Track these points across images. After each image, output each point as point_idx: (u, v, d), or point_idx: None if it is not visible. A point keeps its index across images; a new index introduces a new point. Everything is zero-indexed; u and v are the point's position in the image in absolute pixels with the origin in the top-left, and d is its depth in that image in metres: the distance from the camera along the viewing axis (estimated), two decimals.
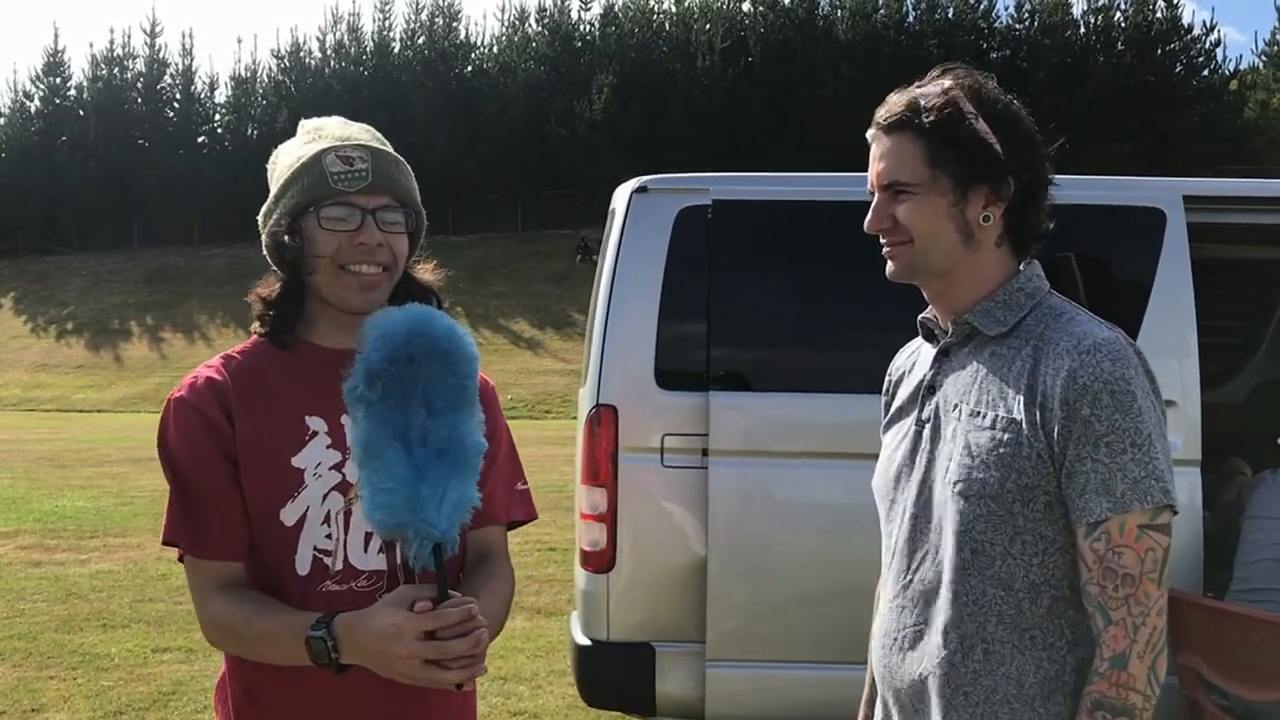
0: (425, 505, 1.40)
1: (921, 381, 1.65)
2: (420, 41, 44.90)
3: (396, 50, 45.06)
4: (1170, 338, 3.37)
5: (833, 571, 3.31)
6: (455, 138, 39.96)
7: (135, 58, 46.97)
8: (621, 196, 3.63)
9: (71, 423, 22.30)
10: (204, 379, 1.60)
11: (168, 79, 47.29)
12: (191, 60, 48.85)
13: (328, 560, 1.58)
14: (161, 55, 47.23)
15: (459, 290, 34.93)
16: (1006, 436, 1.48)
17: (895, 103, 1.57)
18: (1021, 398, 1.48)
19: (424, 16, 45.21)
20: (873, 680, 1.75)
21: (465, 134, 40.03)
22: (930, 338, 1.68)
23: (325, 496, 1.58)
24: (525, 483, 1.84)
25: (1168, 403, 3.31)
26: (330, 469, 1.59)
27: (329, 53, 45.89)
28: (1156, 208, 3.44)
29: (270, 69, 46.46)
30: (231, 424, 1.57)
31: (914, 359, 1.74)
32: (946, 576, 1.52)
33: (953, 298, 1.60)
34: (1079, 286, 3.17)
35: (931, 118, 1.53)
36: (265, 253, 1.65)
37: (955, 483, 1.51)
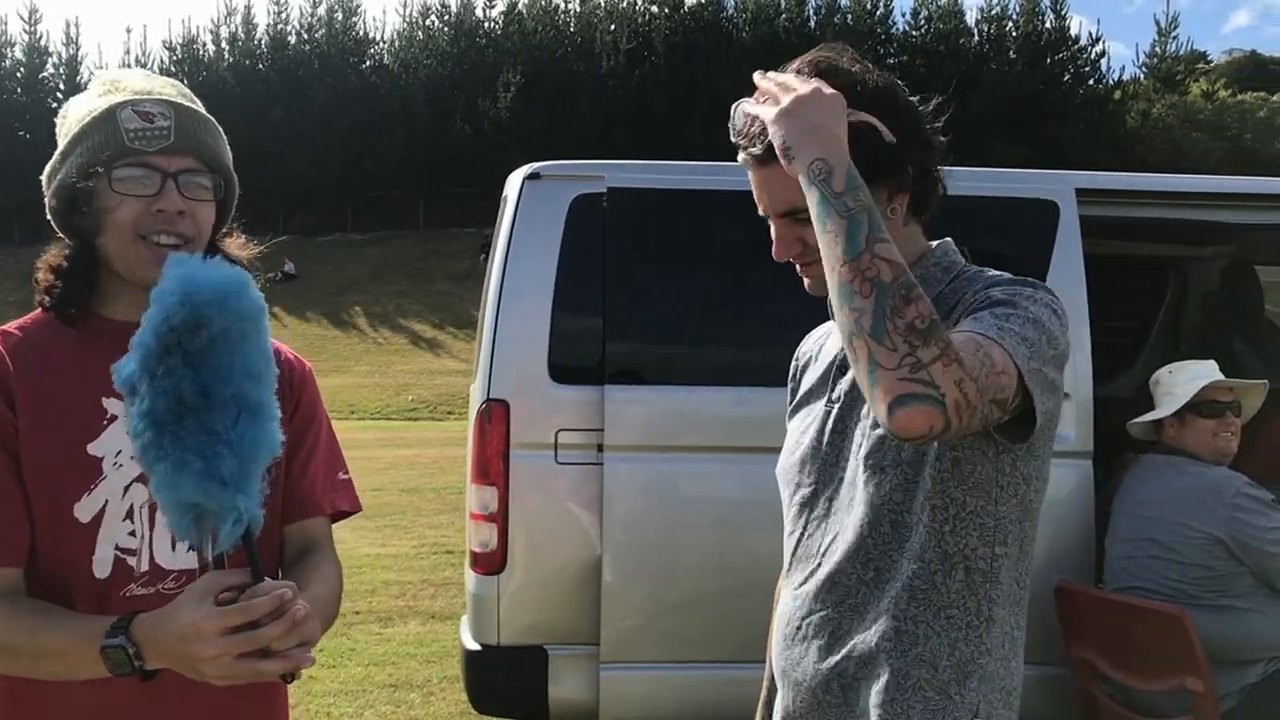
0: (227, 481, 1.22)
1: (833, 363, 1.58)
2: (319, 35, 43.95)
3: (293, 44, 44.02)
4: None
5: (731, 569, 3.24)
6: (355, 134, 39.23)
7: (13, 45, 44.99)
8: (513, 184, 3.50)
9: None
10: None
11: (50, 69, 45.41)
12: (77, 49, 46.62)
13: (131, 560, 1.41)
14: (43, 43, 45.33)
15: (359, 289, 34.40)
16: None
17: (755, 131, 1.42)
18: None
19: (321, 10, 44.29)
20: (771, 679, 1.66)
21: (365, 130, 39.33)
22: None
23: (127, 489, 1.41)
24: (347, 472, 1.69)
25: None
26: (133, 457, 1.39)
27: (224, 45, 44.62)
28: (1050, 200, 3.46)
29: (162, 60, 44.95)
30: (12, 408, 1.38)
31: (821, 343, 1.68)
32: (861, 555, 1.45)
33: None
34: None
35: None
36: (50, 217, 1.47)
37: (868, 455, 1.45)
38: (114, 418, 1.41)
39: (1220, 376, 3.25)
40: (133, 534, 1.41)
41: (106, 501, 1.40)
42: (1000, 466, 1.42)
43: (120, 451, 1.41)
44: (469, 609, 3.45)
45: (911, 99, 1.50)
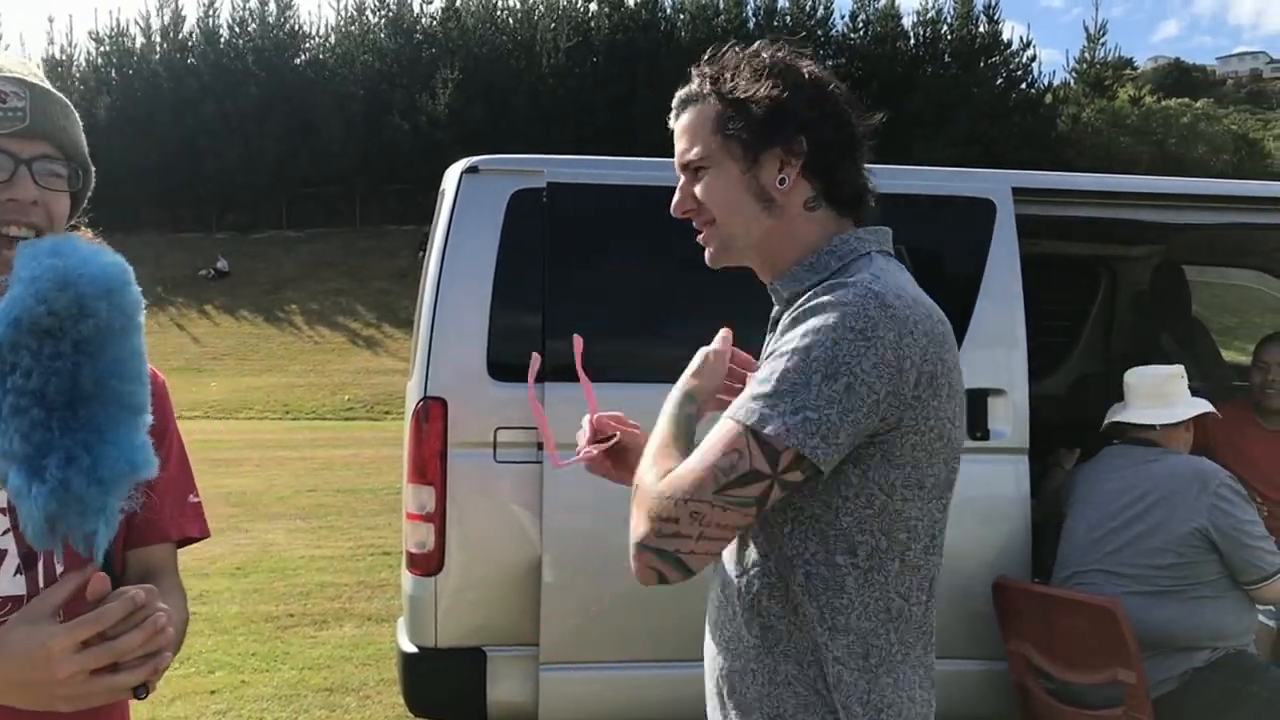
0: (108, 484, 1.12)
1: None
2: (252, 29, 43.15)
3: (226, 37, 43.16)
4: (999, 328, 3.42)
5: None
6: (289, 130, 38.58)
7: None
8: (451, 177, 3.44)
9: None
10: None
11: None
12: None
13: None
14: None
15: (294, 287, 33.85)
16: None
17: (688, 79, 1.54)
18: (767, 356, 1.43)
19: (253, 4, 43.49)
20: None
21: (300, 126, 38.69)
22: None
23: None
24: (198, 495, 1.56)
25: (995, 391, 3.42)
26: None
27: (154, 38, 43.59)
28: (987, 199, 3.49)
29: (89, 52, 43.84)
30: None
31: None
32: (737, 551, 1.47)
33: (775, 269, 1.53)
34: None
35: (708, 86, 1.50)
36: None
37: None
38: None
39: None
40: None
41: None
42: (844, 478, 1.36)
43: None
44: (405, 610, 3.38)
45: (836, 90, 1.51)
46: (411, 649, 3.26)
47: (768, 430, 1.29)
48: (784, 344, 1.35)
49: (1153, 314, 4.89)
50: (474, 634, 3.23)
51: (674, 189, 3.66)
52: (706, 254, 1.54)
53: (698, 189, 1.51)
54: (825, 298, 1.36)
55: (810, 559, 1.39)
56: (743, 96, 1.47)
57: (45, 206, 1.31)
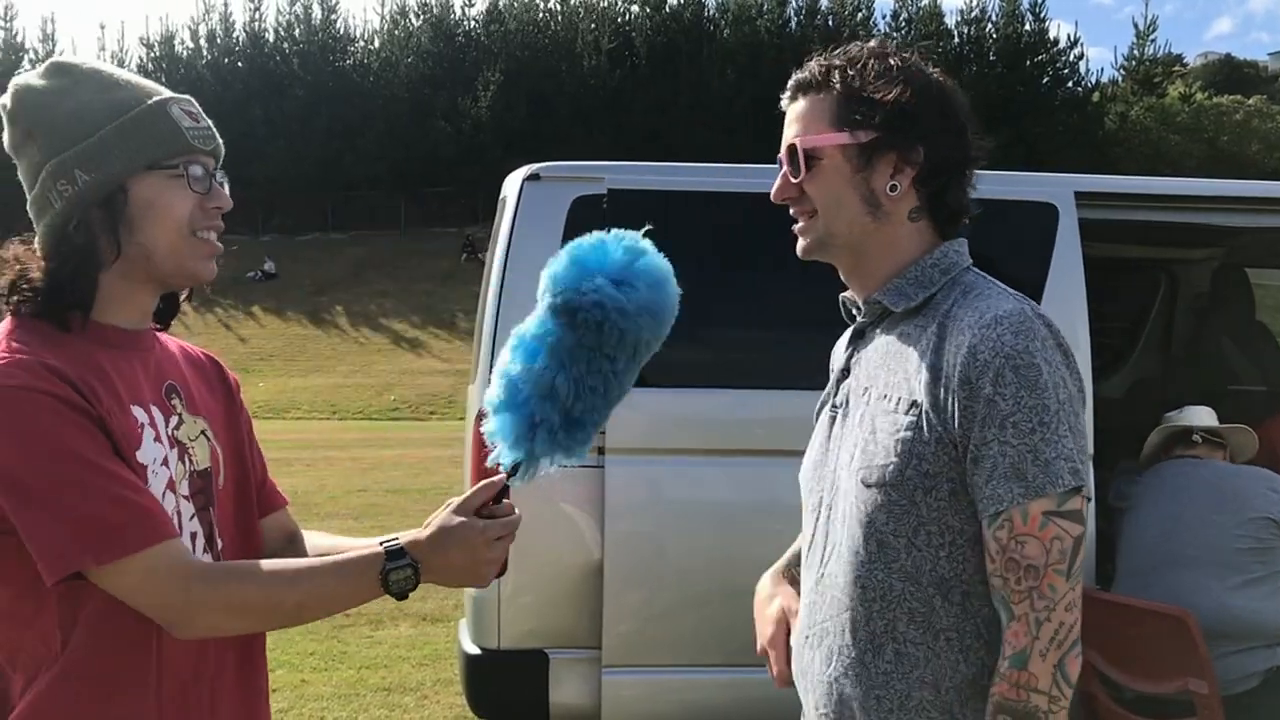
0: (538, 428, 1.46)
1: (843, 367, 1.57)
2: (297, 34, 43.69)
3: (271, 42, 43.73)
4: (1064, 334, 3.39)
5: (732, 571, 3.21)
6: (334, 133, 39.04)
7: None
8: (513, 185, 3.48)
9: None
10: (31, 362, 1.30)
11: (26, 65, 44.91)
12: (54, 46, 45.89)
13: None
14: (18, 39, 44.88)
15: (339, 289, 34.17)
16: (908, 420, 1.39)
17: (807, 66, 1.49)
18: (923, 378, 1.39)
19: (299, 8, 44.01)
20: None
21: (345, 129, 39.15)
22: (851, 319, 1.60)
23: (162, 496, 1.39)
24: None
25: None
26: (161, 465, 1.40)
27: (201, 43, 44.28)
28: (1049, 203, 3.46)
29: (140, 58, 44.61)
30: (105, 429, 1.34)
31: (839, 346, 1.67)
32: (855, 570, 1.43)
33: (866, 275, 1.51)
34: None
35: (835, 78, 1.46)
36: (52, 218, 1.39)
37: (859, 470, 1.43)
38: (143, 425, 1.39)
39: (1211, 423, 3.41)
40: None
41: None
42: None
43: (154, 459, 1.40)
44: (468, 612, 3.42)
45: (960, 107, 1.50)
46: (474, 650, 3.29)
47: (1058, 492, 1.31)
48: (1000, 407, 1.32)
49: (1213, 317, 4.82)
50: (536, 636, 3.25)
51: (732, 194, 3.67)
52: (799, 244, 1.52)
53: (805, 180, 1.47)
54: (1009, 339, 1.34)
55: (968, 579, 1.38)
56: (869, 95, 1.43)
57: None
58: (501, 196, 3.60)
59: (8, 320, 1.39)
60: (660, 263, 1.47)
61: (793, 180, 1.49)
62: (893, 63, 1.46)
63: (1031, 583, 1.31)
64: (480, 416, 3.26)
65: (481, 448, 3.26)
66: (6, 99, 1.43)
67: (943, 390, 1.36)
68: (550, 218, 3.36)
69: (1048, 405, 1.32)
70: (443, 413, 21.33)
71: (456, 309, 29.01)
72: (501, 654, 3.25)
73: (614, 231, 1.47)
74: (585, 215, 3.37)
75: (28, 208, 1.43)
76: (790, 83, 1.51)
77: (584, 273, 1.42)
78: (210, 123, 1.46)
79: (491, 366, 3.26)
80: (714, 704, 3.24)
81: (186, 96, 1.46)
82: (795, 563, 1.68)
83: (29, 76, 1.44)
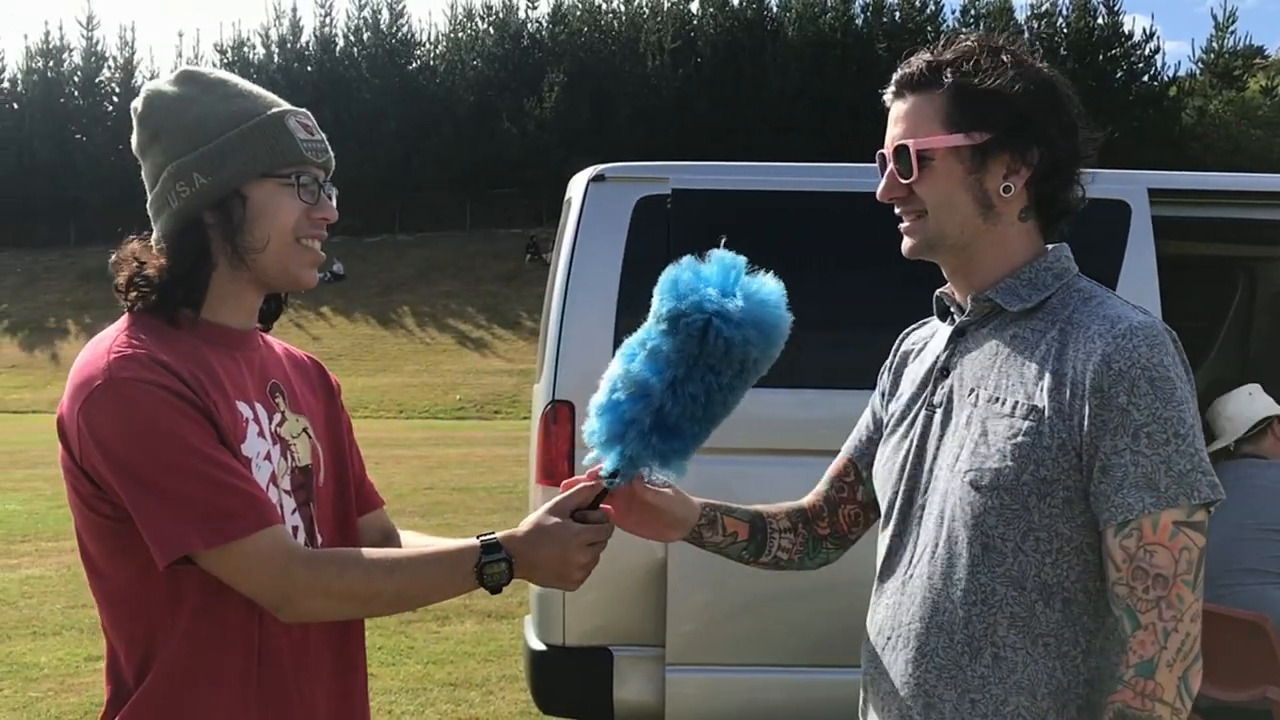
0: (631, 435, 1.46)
1: (934, 365, 1.54)
2: (366, 38, 44.36)
3: (340, 46, 44.46)
4: None
5: (796, 571, 3.22)
6: (402, 135, 39.52)
7: (71, 50, 45.85)
8: (578, 185, 3.51)
9: (4, 424, 21.65)
10: (144, 356, 1.37)
11: (106, 72, 46.21)
12: (132, 53, 47.04)
13: None
14: (99, 48, 46.13)
15: (406, 289, 34.63)
16: (1026, 425, 1.37)
17: (914, 61, 1.46)
18: (1045, 383, 1.37)
19: (367, 13, 44.68)
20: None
21: (412, 131, 39.59)
22: (945, 316, 1.57)
23: (264, 488, 1.45)
24: None
25: None
26: (264, 459, 1.46)
27: (273, 48, 45.17)
28: (1122, 200, 3.40)
29: (214, 64, 45.61)
30: (214, 421, 1.41)
31: (926, 340, 1.63)
32: (953, 572, 1.42)
33: (972, 274, 1.49)
34: None
35: (949, 75, 1.42)
36: (169, 217, 1.47)
37: (967, 472, 1.41)
38: (248, 420, 1.46)
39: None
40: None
41: None
42: None
43: (258, 453, 1.46)
44: (533, 609, 3.46)
45: (1073, 105, 1.47)
46: (540, 647, 3.33)
47: (1190, 504, 1.32)
48: (1134, 417, 1.32)
49: None
50: (600, 633, 3.28)
51: (796, 193, 3.66)
52: (906, 244, 1.50)
53: (915, 181, 1.45)
54: (1144, 351, 1.34)
55: (1072, 586, 1.38)
56: (983, 94, 1.41)
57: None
58: (567, 197, 3.63)
59: (124, 318, 1.47)
60: (772, 284, 1.48)
61: (902, 180, 1.47)
62: (1005, 59, 1.43)
63: (1160, 592, 1.31)
64: (545, 415, 3.31)
65: (548, 446, 3.31)
66: (138, 102, 1.52)
67: (1070, 397, 1.36)
68: (615, 218, 3.39)
69: (1183, 418, 1.33)
70: (507, 412, 21.53)
71: (521, 309, 29.25)
72: (566, 650, 3.29)
73: (727, 253, 1.48)
74: (650, 216, 3.39)
75: (148, 207, 1.51)
76: (895, 78, 1.48)
77: (693, 282, 1.44)
78: (324, 136, 1.53)
79: (558, 365, 3.35)
80: (777, 703, 3.24)
81: (303, 110, 1.54)
82: (726, 510, 1.76)
83: (160, 82, 1.53)
